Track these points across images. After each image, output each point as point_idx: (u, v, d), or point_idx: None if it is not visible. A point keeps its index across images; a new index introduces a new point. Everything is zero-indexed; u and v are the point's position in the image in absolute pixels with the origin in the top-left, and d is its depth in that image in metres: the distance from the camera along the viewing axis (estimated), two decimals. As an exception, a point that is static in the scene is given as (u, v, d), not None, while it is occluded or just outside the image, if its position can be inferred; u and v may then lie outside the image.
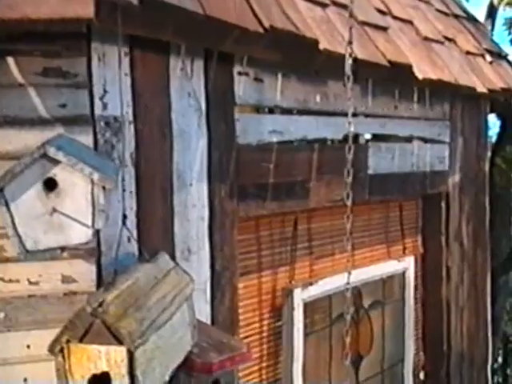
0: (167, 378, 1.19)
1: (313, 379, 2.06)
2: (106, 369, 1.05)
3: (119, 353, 1.04)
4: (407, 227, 2.59)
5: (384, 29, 1.99)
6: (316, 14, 1.65)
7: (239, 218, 1.80)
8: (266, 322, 1.94)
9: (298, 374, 1.94)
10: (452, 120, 2.60)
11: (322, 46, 1.58)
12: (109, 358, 1.04)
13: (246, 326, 1.87)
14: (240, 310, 1.84)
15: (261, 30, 1.39)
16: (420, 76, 1.96)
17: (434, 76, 2.02)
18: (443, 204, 2.62)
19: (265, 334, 1.94)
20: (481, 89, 2.30)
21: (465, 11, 2.81)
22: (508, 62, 2.77)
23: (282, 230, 1.97)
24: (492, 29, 5.58)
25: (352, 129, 1.59)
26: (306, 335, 1.97)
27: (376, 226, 2.41)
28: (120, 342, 1.03)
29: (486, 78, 2.42)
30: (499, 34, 5.49)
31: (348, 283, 1.59)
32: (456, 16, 2.68)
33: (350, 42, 1.47)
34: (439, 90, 2.42)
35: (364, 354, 2.28)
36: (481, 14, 3.72)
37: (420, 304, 2.69)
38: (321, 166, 1.91)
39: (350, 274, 1.61)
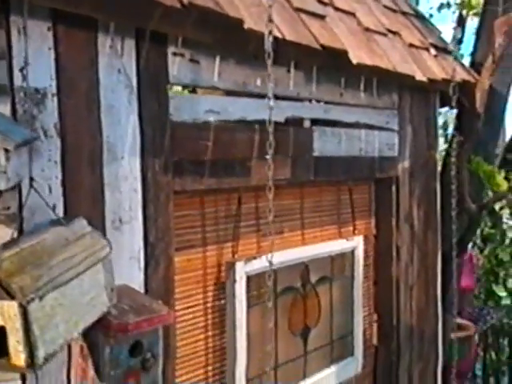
0: (76, 335, 1.12)
1: (258, 349, 1.97)
2: (1, 323, 0.98)
3: (11, 307, 0.96)
4: (360, 209, 2.50)
5: (321, 17, 1.89)
6: (247, -2, 1.56)
7: (185, 195, 1.74)
8: (211, 294, 1.85)
9: (241, 344, 1.86)
10: (400, 110, 2.51)
11: (246, 26, 1.49)
12: (3, 312, 0.97)
13: (190, 297, 1.79)
14: (184, 281, 1.78)
15: (178, 6, 1.31)
16: (354, 61, 1.87)
17: (369, 62, 1.93)
18: (394, 188, 2.53)
19: (210, 305, 1.85)
20: (420, 77, 2.21)
21: (414, 10, 2.71)
22: (455, 57, 2.68)
23: (228, 208, 1.89)
24: (461, 38, 5.51)
25: (272, 105, 1.49)
26: (249, 307, 1.89)
27: (327, 208, 2.32)
28: (12, 297, 0.96)
29: (427, 68, 2.33)
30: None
31: (271, 263, 1.50)
32: (404, 13, 2.58)
33: (271, 20, 1.38)
34: (386, 81, 2.33)
35: (312, 326, 2.19)
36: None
37: (372, 281, 2.60)
38: (262, 146, 1.82)
39: (271, 255, 1.51)
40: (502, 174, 2.79)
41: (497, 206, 4.89)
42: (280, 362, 2.06)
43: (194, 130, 1.61)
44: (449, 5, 6.26)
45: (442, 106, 2.94)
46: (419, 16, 2.69)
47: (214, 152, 1.66)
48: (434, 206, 2.79)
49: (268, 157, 1.48)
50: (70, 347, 1.33)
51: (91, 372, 1.30)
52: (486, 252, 5.32)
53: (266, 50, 1.38)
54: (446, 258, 3.21)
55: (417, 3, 5.56)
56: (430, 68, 2.35)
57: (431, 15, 5.97)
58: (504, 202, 4.94)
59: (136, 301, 1.34)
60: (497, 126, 3.17)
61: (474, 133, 2.71)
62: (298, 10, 1.79)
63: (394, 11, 2.51)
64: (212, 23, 1.49)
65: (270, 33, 1.38)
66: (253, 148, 1.79)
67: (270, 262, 1.51)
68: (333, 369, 2.28)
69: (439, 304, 2.86)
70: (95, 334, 1.25)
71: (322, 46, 1.76)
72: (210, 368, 1.87)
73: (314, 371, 2.20)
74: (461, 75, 2.57)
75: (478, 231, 5.26)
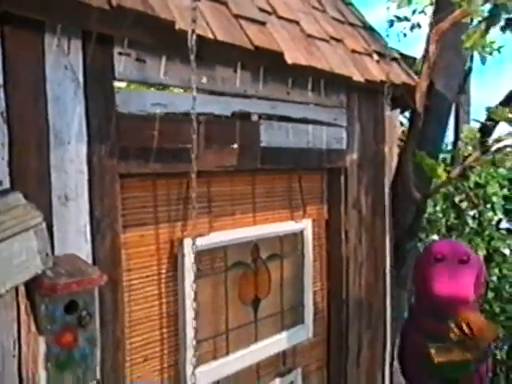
0: (3, 291, 1.12)
1: (208, 315, 1.96)
2: None
3: None
4: (312, 196, 2.48)
5: (262, 23, 1.87)
6: (183, 3, 1.55)
7: (138, 178, 1.73)
8: (164, 266, 1.85)
9: (190, 310, 1.82)
10: (349, 109, 2.47)
11: (177, 26, 1.48)
12: None
13: (145, 268, 1.79)
14: (138, 254, 1.78)
15: (107, 7, 1.30)
16: (289, 61, 1.85)
17: (304, 62, 1.91)
18: (342, 178, 2.50)
19: (163, 276, 1.85)
20: (357, 78, 2.18)
21: (362, 21, 2.66)
22: (399, 64, 2.64)
23: (178, 191, 1.88)
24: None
25: (196, 101, 1.48)
26: (197, 278, 1.87)
27: (278, 194, 2.30)
28: None
29: (366, 71, 2.29)
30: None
31: (195, 245, 1.50)
32: (352, 24, 2.54)
33: (194, 21, 1.37)
34: (334, 82, 2.30)
35: (262, 297, 2.17)
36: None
37: (325, 260, 2.58)
38: (208, 136, 1.81)
39: (196, 236, 1.51)
40: (442, 166, 2.75)
41: (457, 199, 4.84)
42: (231, 327, 2.05)
43: (141, 121, 1.61)
44: (419, 25, 6.21)
45: (396, 107, 2.91)
46: (367, 27, 2.65)
47: (160, 140, 1.65)
48: (382, 195, 2.75)
49: (194, 144, 1.46)
50: (18, 305, 1.34)
51: (33, 327, 1.30)
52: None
53: (189, 48, 1.37)
54: (398, 241, 3.20)
55: (391, 25, 5.46)
56: (369, 71, 2.31)
57: (405, 34, 5.92)
58: (464, 195, 4.90)
59: (75, 266, 1.34)
60: (443, 125, 3.12)
61: (416, 129, 2.67)
62: (238, 16, 1.77)
63: (342, 22, 2.47)
64: (149, 25, 1.49)
65: (193, 31, 1.37)
66: (198, 138, 1.77)
67: (194, 243, 1.53)
68: (284, 334, 2.26)
69: (388, 280, 2.83)
70: (33, 293, 1.26)
71: (256, 47, 1.74)
72: (164, 330, 1.86)
73: (265, 336, 2.19)
74: (402, 79, 2.53)
75: (443, 221, 5.22)
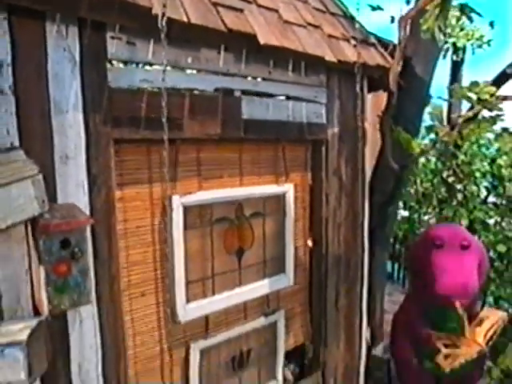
0: (3, 226, 1.24)
1: (196, 261, 2.07)
2: None
3: None
4: (297, 164, 2.53)
5: (239, 10, 1.91)
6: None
7: (134, 144, 1.83)
8: (157, 218, 1.96)
9: (179, 256, 1.96)
10: (329, 87, 2.48)
11: (154, 11, 1.55)
12: None
13: (140, 219, 1.91)
14: (134, 207, 1.89)
15: (88, -4, 1.38)
16: (262, 41, 1.88)
17: (277, 43, 1.94)
18: (323, 149, 2.54)
19: (156, 226, 1.96)
20: (330, 58, 2.18)
21: (344, 11, 2.63)
22: (376, 48, 2.61)
23: (170, 156, 1.95)
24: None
25: (165, 74, 1.55)
26: (185, 229, 1.98)
27: (264, 162, 2.35)
28: None
29: (341, 53, 2.29)
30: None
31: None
32: (333, 14, 2.53)
33: (164, 5, 1.44)
34: (313, 63, 2.31)
35: (245, 248, 2.27)
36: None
37: (308, 220, 2.63)
38: (193, 109, 1.89)
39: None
40: (415, 140, 2.74)
41: (444, 174, 4.78)
42: (217, 272, 2.16)
43: (130, 94, 1.70)
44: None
45: (376, 88, 2.89)
46: (348, 16, 2.62)
47: (149, 111, 1.74)
48: (362, 165, 2.76)
49: (163, 119, 1.55)
50: (28, 242, 1.48)
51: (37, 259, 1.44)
52: (444, 213, 5.22)
53: (160, 29, 1.44)
54: (381, 206, 3.21)
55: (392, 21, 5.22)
56: (344, 53, 2.31)
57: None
58: (451, 172, 4.83)
59: (69, 212, 1.47)
60: (420, 105, 3.09)
61: (390, 107, 2.66)
62: (216, 4, 1.82)
63: (323, 12, 2.46)
64: (134, 12, 1.56)
65: (164, 15, 1.44)
66: (183, 109, 1.85)
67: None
68: (266, 281, 2.36)
69: (366, 240, 2.86)
70: (34, 232, 1.39)
71: (229, 29, 1.78)
72: (158, 271, 1.99)
73: (249, 281, 2.29)
74: (377, 61, 2.51)
75: (434, 195, 5.16)
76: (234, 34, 1.84)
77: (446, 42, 5.49)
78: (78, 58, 1.55)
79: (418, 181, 5.69)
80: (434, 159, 5.18)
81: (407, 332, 3.06)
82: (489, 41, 5.17)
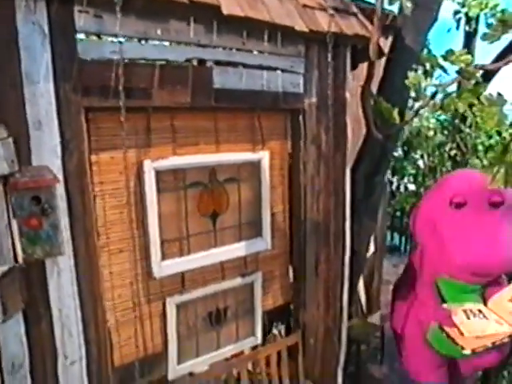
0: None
1: (171, 222, 2.25)
2: None
3: None
4: (275, 132, 2.64)
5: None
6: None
7: (109, 112, 1.98)
8: (132, 182, 2.13)
9: (153, 217, 2.14)
10: (308, 58, 2.55)
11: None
12: None
13: (116, 182, 2.09)
14: (110, 171, 2.07)
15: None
16: (225, 12, 1.98)
17: (241, 13, 2.03)
18: (301, 118, 2.63)
19: (131, 189, 2.14)
20: (300, 28, 2.26)
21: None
22: (357, 18, 2.64)
23: (143, 122, 2.12)
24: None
25: (122, 45, 1.68)
26: (158, 192, 2.14)
27: (240, 129, 2.48)
28: None
29: (314, 22, 2.35)
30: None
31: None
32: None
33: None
34: (290, 34, 2.39)
35: (220, 212, 2.42)
36: None
37: (286, 187, 2.76)
38: (163, 78, 2.02)
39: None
40: (396, 110, 2.79)
41: (448, 147, 4.77)
42: (192, 233, 2.34)
43: (100, 65, 1.85)
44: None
45: (361, 58, 2.93)
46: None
47: (117, 81, 1.89)
48: (343, 134, 2.84)
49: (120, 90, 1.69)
50: (6, 198, 1.68)
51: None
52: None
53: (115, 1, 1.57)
54: (368, 176, 3.30)
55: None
56: (318, 23, 2.37)
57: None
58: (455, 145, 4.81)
59: (40, 173, 1.66)
60: (404, 76, 3.10)
61: (371, 77, 2.70)
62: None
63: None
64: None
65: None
66: (153, 79, 1.99)
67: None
68: (242, 243, 2.52)
69: (347, 208, 2.96)
70: (7, 189, 1.59)
71: (191, 0, 1.88)
72: (135, 231, 2.18)
73: (224, 243, 2.46)
74: (355, 31, 2.55)
75: (439, 168, 5.17)
76: (199, 6, 1.95)
77: (458, 12, 5.37)
78: (47, 32, 1.71)
79: (425, 155, 5.70)
80: (439, 133, 5.17)
81: (409, 304, 2.82)
82: (503, 10, 5.02)
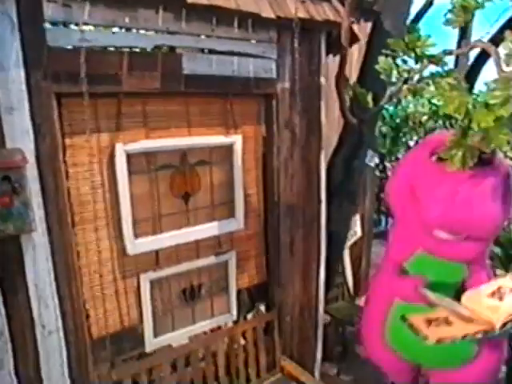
0: None
1: (143, 203, 2.39)
2: None
3: None
4: (249, 117, 2.75)
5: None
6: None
7: (81, 99, 2.10)
8: (105, 164, 2.26)
9: (125, 199, 2.28)
10: (280, 44, 2.64)
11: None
12: None
13: (89, 164, 2.22)
14: (83, 153, 2.19)
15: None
16: (189, 0, 2.09)
17: (204, 1, 2.13)
18: (274, 103, 2.74)
19: (105, 172, 2.27)
20: (267, 15, 2.35)
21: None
22: (330, 3, 2.71)
23: (115, 107, 2.24)
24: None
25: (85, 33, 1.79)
26: (130, 174, 2.28)
27: (213, 114, 2.59)
28: None
29: (282, 9, 2.44)
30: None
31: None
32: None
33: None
34: (262, 20, 2.48)
35: (192, 193, 2.55)
36: None
37: (261, 170, 2.88)
38: (132, 65, 2.13)
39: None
40: (370, 95, 2.88)
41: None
42: (164, 213, 2.48)
43: (68, 53, 1.97)
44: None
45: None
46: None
47: (88, 67, 2.00)
48: (317, 118, 2.95)
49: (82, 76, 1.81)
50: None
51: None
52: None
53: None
54: (346, 160, 3.41)
55: None
56: (288, 9, 2.46)
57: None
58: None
59: (11, 154, 1.79)
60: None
61: (343, 62, 2.79)
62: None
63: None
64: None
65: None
66: (122, 65, 2.11)
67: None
68: (215, 223, 2.66)
69: (322, 191, 3.08)
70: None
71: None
72: (109, 210, 2.32)
73: (197, 223, 2.60)
74: (326, 16, 2.64)
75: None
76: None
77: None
78: (15, 21, 1.82)
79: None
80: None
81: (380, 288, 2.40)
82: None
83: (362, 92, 2.89)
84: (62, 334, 2.19)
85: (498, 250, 3.74)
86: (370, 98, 2.89)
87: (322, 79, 2.93)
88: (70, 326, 2.21)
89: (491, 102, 1.87)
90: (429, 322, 1.86)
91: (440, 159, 1.92)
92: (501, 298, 1.85)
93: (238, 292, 2.98)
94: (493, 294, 1.88)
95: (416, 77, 2.78)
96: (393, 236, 2.37)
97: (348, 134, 3.34)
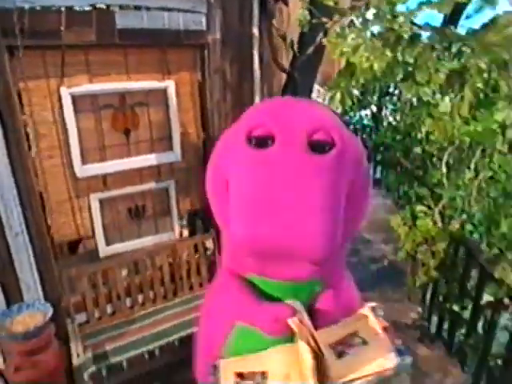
0: None
1: (87, 136, 3.03)
2: None
3: None
4: (185, 65, 3.30)
5: None
6: None
7: (32, 51, 2.69)
8: (56, 104, 2.90)
9: (73, 132, 2.92)
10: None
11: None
12: None
13: (41, 105, 2.86)
14: (37, 95, 2.83)
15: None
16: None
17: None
18: (206, 52, 3.26)
19: (56, 111, 2.91)
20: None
21: None
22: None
23: (60, 56, 2.83)
24: None
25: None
26: (76, 113, 2.91)
27: (149, 63, 3.15)
28: None
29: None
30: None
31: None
32: None
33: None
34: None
35: (132, 129, 3.18)
36: None
37: (198, 110, 3.46)
38: (70, 22, 2.70)
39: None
40: (296, 44, 3.36)
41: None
42: (108, 144, 3.13)
43: (12, 12, 2.53)
44: None
45: None
46: None
47: (31, 25, 2.58)
48: (250, 65, 3.46)
49: (18, 32, 2.39)
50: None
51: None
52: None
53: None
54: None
55: None
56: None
57: None
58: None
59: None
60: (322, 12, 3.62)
61: (270, 13, 3.26)
62: None
63: None
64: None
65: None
66: (61, 22, 2.67)
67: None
68: (154, 155, 3.30)
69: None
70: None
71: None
72: (62, 142, 2.99)
73: (138, 153, 3.25)
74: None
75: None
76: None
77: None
78: (-30, -12, 2.40)
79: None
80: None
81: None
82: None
83: (291, 41, 3.39)
84: (26, 236, 2.94)
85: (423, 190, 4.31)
86: (295, 46, 3.41)
87: (255, 30, 3.42)
88: (33, 231, 2.95)
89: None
90: (240, 376, 1.47)
91: (260, 143, 1.34)
92: (341, 354, 1.43)
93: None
94: (339, 343, 1.47)
95: (337, 28, 3.27)
96: (223, 243, 1.90)
97: (288, 81, 3.86)
